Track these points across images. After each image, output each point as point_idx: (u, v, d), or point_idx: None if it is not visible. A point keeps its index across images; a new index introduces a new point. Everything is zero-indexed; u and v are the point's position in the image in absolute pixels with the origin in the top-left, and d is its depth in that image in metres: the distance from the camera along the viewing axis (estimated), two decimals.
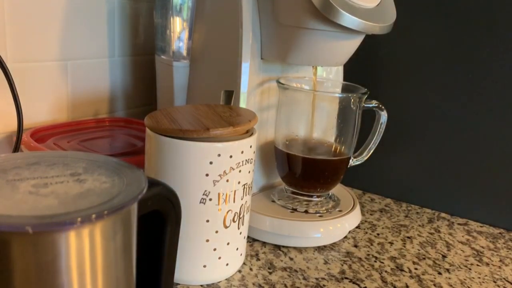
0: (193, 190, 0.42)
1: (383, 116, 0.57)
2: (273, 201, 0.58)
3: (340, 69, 0.65)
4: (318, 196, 0.58)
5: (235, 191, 0.44)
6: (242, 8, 0.52)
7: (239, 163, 0.43)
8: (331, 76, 0.64)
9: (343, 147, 0.57)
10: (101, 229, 0.24)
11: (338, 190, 0.63)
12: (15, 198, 0.23)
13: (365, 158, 0.59)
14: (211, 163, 0.42)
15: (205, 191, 0.42)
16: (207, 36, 0.58)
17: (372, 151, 0.59)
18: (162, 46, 0.63)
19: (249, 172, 0.45)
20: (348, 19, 0.47)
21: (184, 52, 0.61)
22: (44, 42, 0.61)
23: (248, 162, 0.44)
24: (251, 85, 0.54)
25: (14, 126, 0.56)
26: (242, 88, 0.53)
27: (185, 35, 0.61)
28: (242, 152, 0.43)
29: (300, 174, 0.55)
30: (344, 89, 0.59)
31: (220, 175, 0.42)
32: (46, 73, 0.62)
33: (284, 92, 0.55)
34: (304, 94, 0.55)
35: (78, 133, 0.60)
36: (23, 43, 0.58)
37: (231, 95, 0.52)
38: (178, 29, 0.61)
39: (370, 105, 0.57)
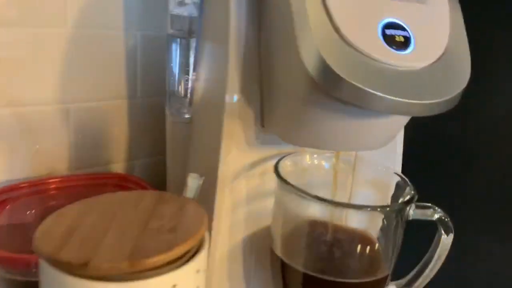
0: None
1: (448, 237, 0.36)
2: None
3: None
4: None
5: None
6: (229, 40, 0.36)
7: None
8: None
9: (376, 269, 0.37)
10: None
11: None
12: None
13: None
14: None
15: None
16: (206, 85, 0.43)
17: (423, 286, 0.37)
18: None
19: None
20: (359, 95, 0.28)
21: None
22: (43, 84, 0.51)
23: None
24: (239, 161, 0.38)
25: None
26: (222, 168, 0.37)
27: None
28: None
29: None
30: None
31: None
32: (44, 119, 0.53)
33: (283, 190, 0.36)
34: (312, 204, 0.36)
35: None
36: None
37: (196, 183, 0.36)
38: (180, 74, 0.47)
39: (426, 217, 0.36)
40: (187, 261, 0.29)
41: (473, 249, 0.48)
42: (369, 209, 0.33)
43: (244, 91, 0.37)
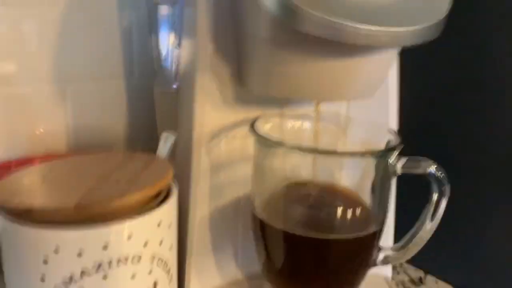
0: None
1: (444, 197, 0.32)
2: None
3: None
4: None
5: None
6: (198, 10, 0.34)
7: (99, 264, 0.26)
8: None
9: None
10: None
11: None
12: None
13: (406, 256, 0.35)
14: (45, 262, 0.25)
15: None
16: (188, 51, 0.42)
17: (419, 248, 0.34)
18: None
19: (132, 277, 0.27)
20: (321, 25, 0.25)
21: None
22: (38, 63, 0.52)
23: (123, 262, 0.27)
24: (216, 121, 0.36)
25: None
26: (196, 127, 0.35)
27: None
28: (105, 247, 0.26)
29: (283, 266, 0.34)
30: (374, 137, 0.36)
31: (64, 283, 0.26)
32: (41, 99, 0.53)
33: (262, 147, 0.34)
34: (293, 154, 0.34)
35: None
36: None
37: (170, 141, 0.34)
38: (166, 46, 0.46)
39: (418, 171, 0.33)
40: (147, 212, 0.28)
41: (483, 214, 0.44)
42: (349, 156, 0.31)
43: (218, 46, 0.35)
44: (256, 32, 0.31)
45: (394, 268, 0.47)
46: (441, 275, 0.47)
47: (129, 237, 0.27)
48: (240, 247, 0.39)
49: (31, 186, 0.28)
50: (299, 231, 0.32)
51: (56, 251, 0.25)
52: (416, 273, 0.48)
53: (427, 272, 0.48)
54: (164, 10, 0.46)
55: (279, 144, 0.31)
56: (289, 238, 0.32)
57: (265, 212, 0.34)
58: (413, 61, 0.40)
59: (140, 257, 0.27)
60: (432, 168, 0.32)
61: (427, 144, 0.46)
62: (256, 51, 0.32)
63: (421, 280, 0.47)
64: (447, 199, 0.33)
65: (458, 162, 0.44)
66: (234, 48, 0.35)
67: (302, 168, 0.35)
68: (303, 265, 0.33)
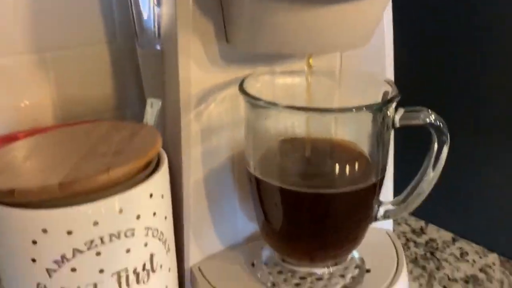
0: (22, 282, 0.26)
1: (445, 147, 0.31)
2: (253, 265, 0.37)
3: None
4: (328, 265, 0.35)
5: (95, 284, 0.26)
6: None
7: (91, 241, 0.25)
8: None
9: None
10: None
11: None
12: None
13: (408, 209, 0.34)
14: (34, 242, 0.24)
15: (39, 284, 0.25)
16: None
17: (421, 200, 0.33)
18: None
19: (127, 251, 0.26)
20: None
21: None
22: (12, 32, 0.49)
23: (116, 237, 0.26)
24: (203, 82, 0.34)
25: None
26: (182, 90, 0.33)
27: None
28: (95, 224, 0.25)
29: (282, 226, 0.34)
30: (370, 87, 0.34)
31: (56, 262, 0.25)
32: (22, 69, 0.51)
33: (253, 107, 0.33)
34: (286, 113, 0.32)
35: None
36: None
37: (156, 107, 0.33)
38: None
39: (417, 122, 0.31)
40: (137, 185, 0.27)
41: (481, 163, 0.43)
42: (340, 110, 0.29)
43: (200, 0, 0.32)
44: None
45: (395, 220, 0.46)
46: (441, 225, 0.47)
47: (120, 211, 0.25)
48: (238, 209, 0.38)
49: (14, 164, 0.27)
50: (296, 187, 0.31)
51: (44, 231, 0.24)
52: (417, 223, 0.48)
53: (428, 221, 0.48)
54: None
55: (271, 104, 0.29)
56: (287, 195, 0.31)
57: (261, 170, 0.33)
58: (406, 8, 0.38)
59: (133, 231, 0.26)
60: (431, 118, 0.31)
61: (423, 94, 0.45)
62: (241, 2, 0.30)
63: (422, 230, 0.47)
64: (448, 148, 0.32)
65: (456, 112, 0.43)
66: (218, 2, 0.33)
67: (296, 125, 0.33)
68: (302, 222, 0.33)
